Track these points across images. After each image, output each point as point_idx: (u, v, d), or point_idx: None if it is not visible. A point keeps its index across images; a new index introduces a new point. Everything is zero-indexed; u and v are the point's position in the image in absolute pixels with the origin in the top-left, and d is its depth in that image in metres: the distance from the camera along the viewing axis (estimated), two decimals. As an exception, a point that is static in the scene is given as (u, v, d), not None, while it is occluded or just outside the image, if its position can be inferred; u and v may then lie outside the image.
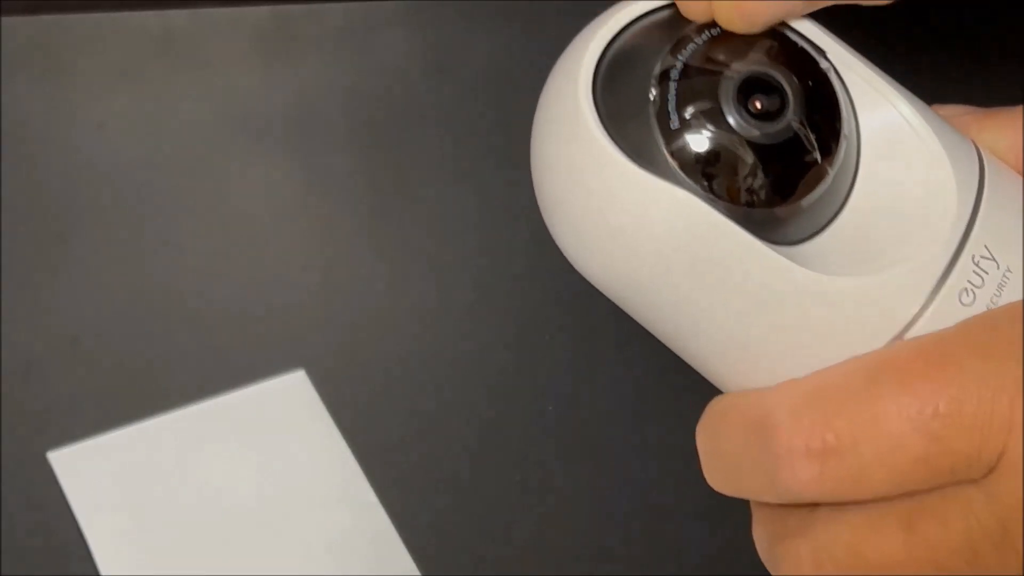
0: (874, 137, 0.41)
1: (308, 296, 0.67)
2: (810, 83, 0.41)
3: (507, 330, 0.66)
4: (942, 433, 0.38)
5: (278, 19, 0.75)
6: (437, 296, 0.67)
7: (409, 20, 0.76)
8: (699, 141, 0.40)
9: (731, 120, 0.40)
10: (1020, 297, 0.40)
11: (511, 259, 0.68)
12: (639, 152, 0.40)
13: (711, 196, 0.39)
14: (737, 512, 0.61)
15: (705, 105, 0.40)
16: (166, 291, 0.67)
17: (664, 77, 0.40)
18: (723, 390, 0.43)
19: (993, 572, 0.39)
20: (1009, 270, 0.40)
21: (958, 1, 0.76)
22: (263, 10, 0.75)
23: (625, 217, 0.40)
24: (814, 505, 0.40)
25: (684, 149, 0.40)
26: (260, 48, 0.75)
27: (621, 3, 0.43)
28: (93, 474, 0.61)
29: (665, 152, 0.40)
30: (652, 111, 0.40)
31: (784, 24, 0.41)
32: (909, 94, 0.41)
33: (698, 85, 0.40)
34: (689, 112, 0.40)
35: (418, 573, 0.58)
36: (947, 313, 0.39)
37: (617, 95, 0.41)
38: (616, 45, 0.42)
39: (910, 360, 0.38)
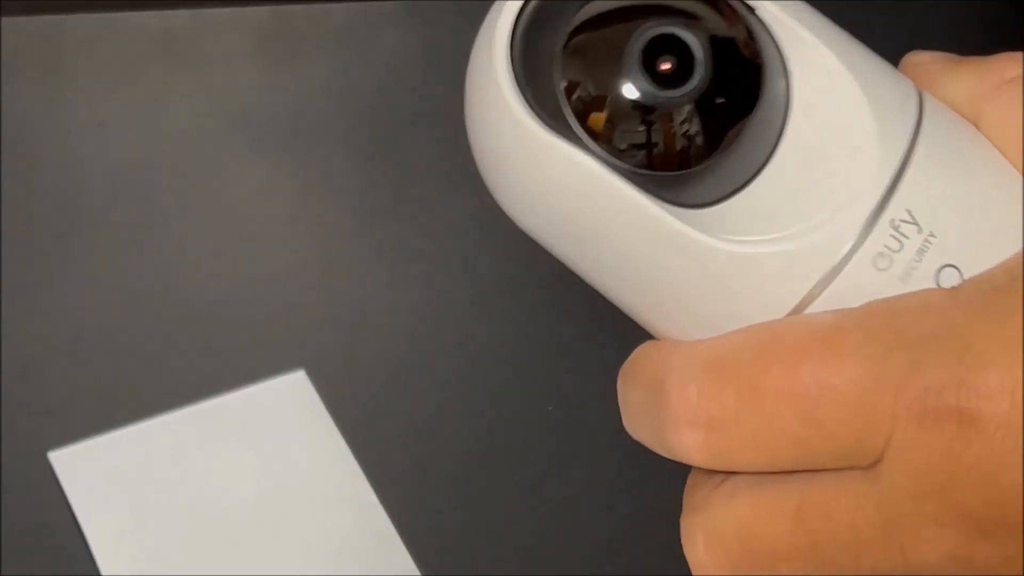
0: (804, 91, 0.40)
1: (308, 296, 0.67)
2: (726, 40, 0.40)
3: (507, 330, 0.66)
4: (820, 418, 0.37)
5: (278, 19, 0.75)
6: (437, 296, 0.67)
7: (409, 20, 0.76)
8: (601, 104, 0.39)
9: (633, 83, 0.39)
10: (943, 263, 0.39)
11: (511, 259, 0.68)
12: (549, 114, 0.39)
13: (615, 159, 0.39)
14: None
15: (609, 66, 0.39)
16: (166, 291, 0.67)
17: (575, 34, 0.40)
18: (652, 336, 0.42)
19: (877, 569, 0.39)
20: (932, 235, 0.38)
21: None
22: (263, 10, 0.75)
23: (533, 177, 0.40)
24: (725, 475, 0.41)
25: (587, 112, 0.39)
26: (260, 48, 0.75)
27: None
28: (94, 474, 0.61)
29: (570, 114, 0.39)
30: (559, 72, 0.40)
31: None
32: (850, 42, 0.40)
33: (604, 44, 0.40)
34: (593, 74, 0.39)
35: (418, 573, 0.58)
36: (860, 278, 0.38)
37: (532, 54, 0.41)
38: (533, 4, 0.41)
39: (801, 339, 0.38)
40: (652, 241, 0.39)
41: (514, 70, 0.40)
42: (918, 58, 0.42)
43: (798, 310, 0.39)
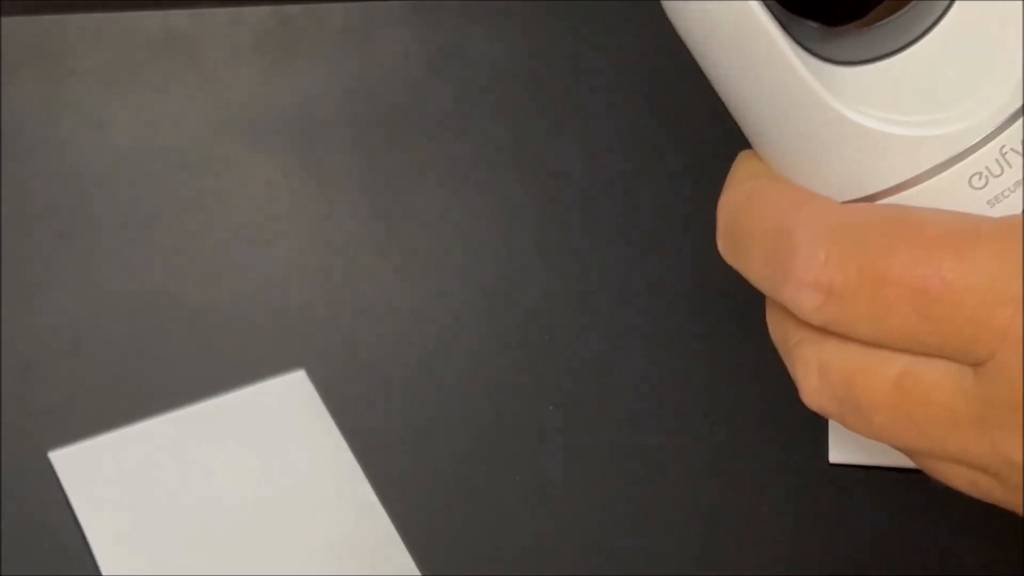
0: None
1: (308, 296, 0.67)
2: None
3: (507, 330, 0.66)
4: (936, 315, 0.38)
5: (278, 19, 0.75)
6: (437, 296, 0.67)
7: (409, 20, 0.76)
8: None
9: None
10: None
11: (511, 259, 0.68)
12: None
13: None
14: (736, 514, 0.61)
15: None
16: (166, 291, 0.67)
17: None
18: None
19: (962, 453, 0.41)
20: None
21: None
22: (263, 10, 0.75)
23: None
24: None
25: None
26: (260, 48, 0.75)
27: None
28: (94, 474, 0.61)
29: None
30: None
31: None
32: None
33: None
34: None
35: (418, 573, 0.58)
36: (953, 188, 0.39)
37: None
38: None
39: (935, 232, 0.39)
40: (781, 85, 0.40)
41: None
42: None
43: (881, 196, 0.40)
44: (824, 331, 0.42)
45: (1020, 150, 0.39)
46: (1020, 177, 0.39)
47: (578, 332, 0.66)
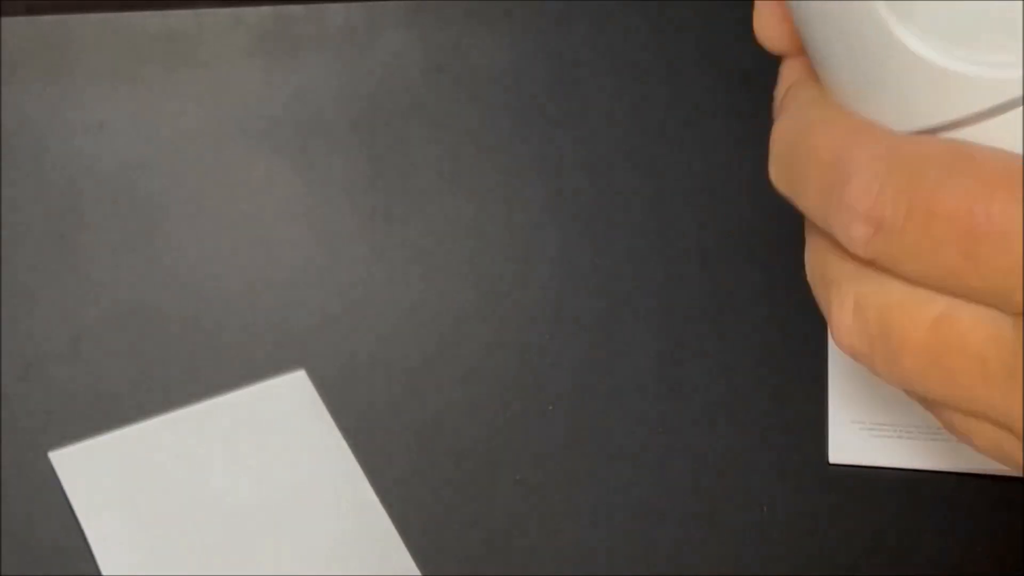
0: None
1: (308, 296, 0.67)
2: None
3: (507, 330, 0.66)
4: (981, 256, 0.38)
5: (278, 19, 0.75)
6: (437, 296, 0.67)
7: (409, 20, 0.76)
8: None
9: None
10: None
11: (511, 259, 0.68)
12: None
13: None
14: (734, 513, 0.61)
15: None
16: (166, 291, 0.67)
17: None
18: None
19: (989, 405, 0.40)
20: None
21: None
22: (263, 10, 0.75)
23: None
24: None
25: None
26: (260, 48, 0.75)
27: None
28: (94, 474, 0.61)
29: None
30: None
31: None
32: None
33: None
34: None
35: (418, 573, 0.58)
36: (1010, 131, 0.39)
37: None
38: None
39: (993, 173, 0.38)
40: (849, 8, 0.40)
41: None
42: None
43: (940, 131, 0.40)
44: (866, 267, 0.41)
45: None
46: None
47: (578, 332, 0.66)
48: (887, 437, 0.62)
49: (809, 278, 0.44)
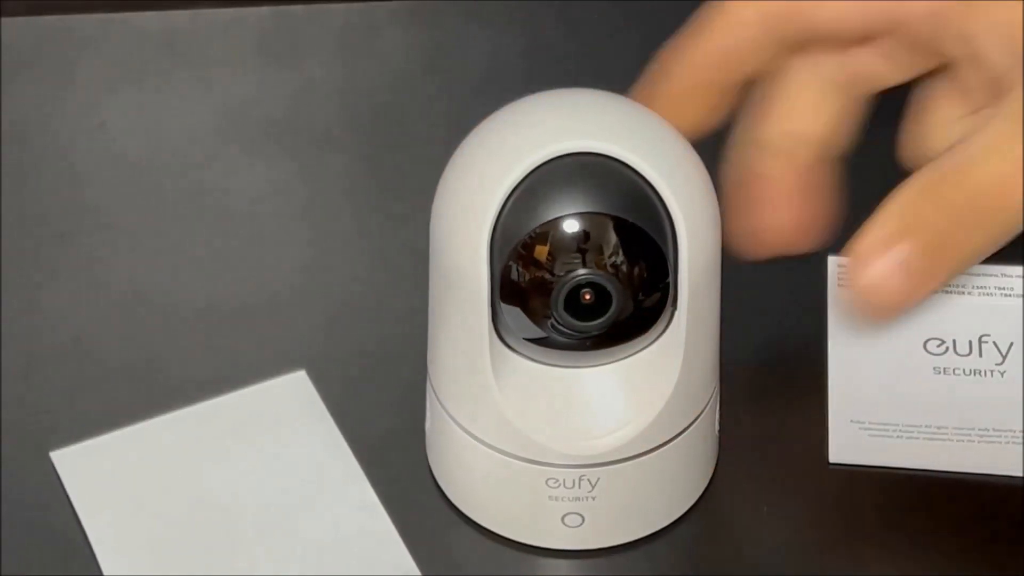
0: None
1: (308, 296, 0.67)
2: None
3: (507, 330, 0.66)
4: None
5: (278, 19, 0.75)
6: (437, 296, 0.67)
7: (409, 20, 0.76)
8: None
9: (558, 317, 0.53)
10: None
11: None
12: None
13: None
14: (734, 513, 0.61)
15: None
16: (166, 291, 0.67)
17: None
18: None
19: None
20: None
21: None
22: (264, 10, 0.75)
23: None
24: None
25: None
26: (260, 48, 0.75)
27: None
28: (95, 474, 0.61)
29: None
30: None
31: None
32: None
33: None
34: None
35: (418, 573, 0.58)
36: None
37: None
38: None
39: None
40: None
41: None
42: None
43: None
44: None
45: None
46: None
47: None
48: (887, 437, 0.62)
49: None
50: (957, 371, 0.63)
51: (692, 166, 0.55)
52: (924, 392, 0.63)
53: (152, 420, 0.62)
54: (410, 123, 0.73)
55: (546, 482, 0.56)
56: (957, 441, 0.61)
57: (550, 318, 0.53)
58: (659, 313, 0.54)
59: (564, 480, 0.56)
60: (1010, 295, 0.65)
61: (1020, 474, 0.61)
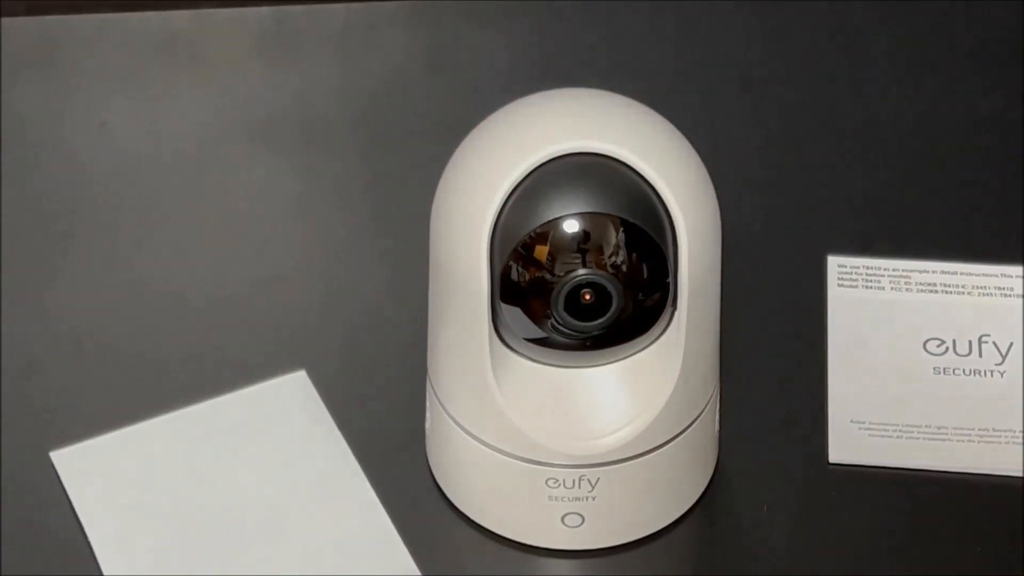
0: None
1: (308, 296, 0.67)
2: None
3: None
4: None
5: (279, 19, 0.75)
6: (437, 296, 0.67)
7: (409, 20, 0.76)
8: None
9: (558, 317, 0.54)
10: None
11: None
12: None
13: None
14: (734, 513, 0.61)
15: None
16: (166, 291, 0.67)
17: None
18: None
19: None
20: None
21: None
22: (264, 10, 0.75)
23: None
24: None
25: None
26: (261, 48, 0.75)
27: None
28: (95, 474, 0.61)
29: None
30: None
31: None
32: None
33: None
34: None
35: (418, 573, 0.58)
36: None
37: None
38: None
39: None
40: None
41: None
42: None
43: None
44: None
45: None
46: None
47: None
48: (887, 437, 0.62)
49: None
50: (957, 371, 0.63)
51: (692, 166, 0.55)
52: (924, 392, 0.63)
53: (152, 420, 0.62)
54: (410, 123, 0.73)
55: (546, 482, 0.56)
56: (957, 441, 0.61)
57: (550, 318, 0.53)
58: (659, 313, 0.54)
59: (564, 480, 0.56)
60: (1010, 295, 0.65)
61: (1020, 474, 0.61)
